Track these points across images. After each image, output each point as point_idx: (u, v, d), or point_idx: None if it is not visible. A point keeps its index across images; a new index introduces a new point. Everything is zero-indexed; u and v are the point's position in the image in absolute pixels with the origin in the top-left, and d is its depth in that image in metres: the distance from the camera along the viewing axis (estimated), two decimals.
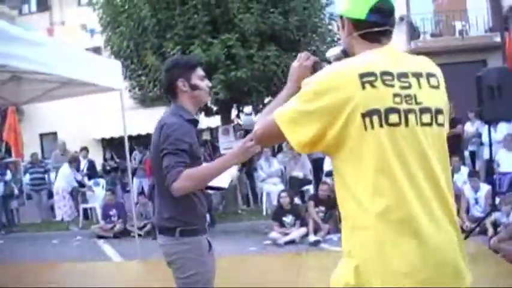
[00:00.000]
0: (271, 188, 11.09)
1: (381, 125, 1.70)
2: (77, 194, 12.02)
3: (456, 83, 13.02)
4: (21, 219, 12.95)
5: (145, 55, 10.37)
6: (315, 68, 2.20)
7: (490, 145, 8.28)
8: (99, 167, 14.45)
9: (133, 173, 12.19)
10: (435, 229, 1.70)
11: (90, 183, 12.48)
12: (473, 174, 9.23)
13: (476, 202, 8.70)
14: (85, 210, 12.33)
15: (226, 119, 11.97)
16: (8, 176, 12.36)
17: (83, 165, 13.01)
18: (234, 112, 12.46)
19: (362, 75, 1.72)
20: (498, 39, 14.94)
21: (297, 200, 10.12)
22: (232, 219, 11.01)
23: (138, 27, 10.40)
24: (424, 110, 1.76)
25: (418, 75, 1.80)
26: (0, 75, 6.48)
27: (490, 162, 9.25)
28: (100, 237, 10.34)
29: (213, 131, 16.44)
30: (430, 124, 1.77)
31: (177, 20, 10.03)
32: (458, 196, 8.80)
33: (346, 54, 1.98)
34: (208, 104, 11.00)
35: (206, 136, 15.67)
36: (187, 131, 2.92)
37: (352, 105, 1.70)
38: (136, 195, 11.01)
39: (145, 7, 10.06)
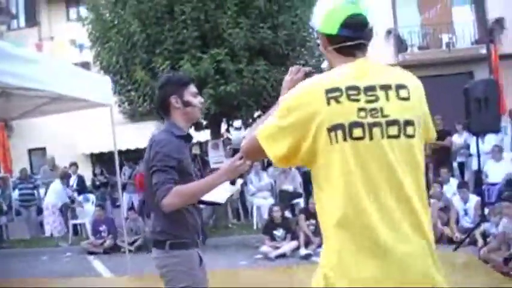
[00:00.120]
0: (262, 202, 11.09)
1: (345, 139, 1.75)
2: (67, 209, 11.95)
3: (443, 95, 13.28)
4: (10, 235, 12.87)
5: (134, 70, 10.34)
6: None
7: (478, 156, 8.38)
8: (88, 182, 14.38)
9: (123, 188, 12.14)
10: (398, 241, 1.72)
11: (80, 198, 12.43)
12: (462, 185, 9.31)
13: (466, 213, 8.75)
14: (74, 226, 12.24)
15: (216, 133, 11.96)
16: None
17: (73, 180, 12.97)
18: (223, 126, 12.45)
19: (328, 91, 1.78)
20: (484, 51, 15.13)
21: (287, 214, 10.11)
22: (223, 234, 10.96)
23: (127, 43, 10.39)
24: (391, 123, 1.79)
25: (386, 88, 1.83)
26: None
27: (479, 173, 9.30)
28: (90, 253, 10.28)
29: (202, 145, 16.39)
30: (397, 136, 1.79)
31: (167, 35, 10.04)
32: (447, 207, 8.89)
33: None
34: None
35: (196, 150, 15.62)
36: (176, 146, 2.95)
37: (319, 120, 1.77)
38: (126, 211, 10.96)
39: (135, 22, 10.05)
